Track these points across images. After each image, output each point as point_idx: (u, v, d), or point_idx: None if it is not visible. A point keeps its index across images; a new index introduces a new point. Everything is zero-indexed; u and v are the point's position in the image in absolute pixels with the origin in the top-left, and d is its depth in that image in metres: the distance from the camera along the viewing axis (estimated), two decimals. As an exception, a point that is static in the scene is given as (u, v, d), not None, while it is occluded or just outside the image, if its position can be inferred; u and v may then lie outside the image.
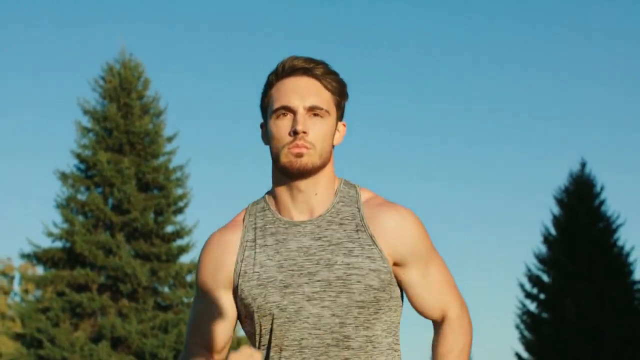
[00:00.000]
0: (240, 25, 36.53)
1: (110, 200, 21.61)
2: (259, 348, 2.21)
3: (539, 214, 39.83)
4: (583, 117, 40.23)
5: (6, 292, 46.19)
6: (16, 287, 45.78)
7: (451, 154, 38.68)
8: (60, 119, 39.03)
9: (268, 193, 2.30)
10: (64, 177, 21.51)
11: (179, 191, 22.08)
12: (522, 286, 26.52)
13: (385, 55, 38.59)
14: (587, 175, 27.15)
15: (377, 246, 2.19)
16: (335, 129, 2.25)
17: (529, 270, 26.46)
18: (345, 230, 2.20)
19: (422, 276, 2.24)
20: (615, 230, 26.54)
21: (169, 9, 37.65)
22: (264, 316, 2.17)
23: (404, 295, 2.30)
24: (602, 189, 26.92)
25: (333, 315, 2.15)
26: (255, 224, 2.25)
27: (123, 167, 21.10)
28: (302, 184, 2.21)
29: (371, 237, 2.19)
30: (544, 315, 26.04)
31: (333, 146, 2.26)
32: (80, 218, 21.33)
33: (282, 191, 2.23)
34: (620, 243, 26.53)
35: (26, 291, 45.45)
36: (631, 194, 40.84)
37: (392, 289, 2.22)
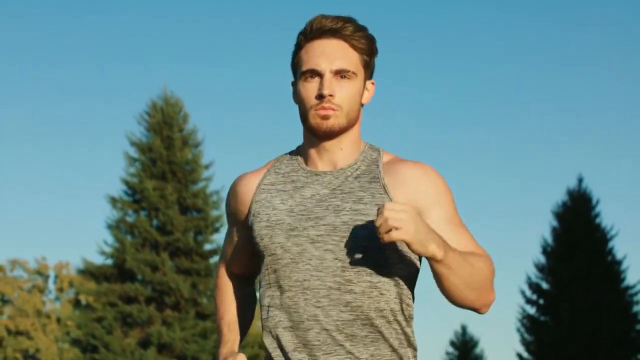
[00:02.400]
0: (265, 65, 39.67)
1: (155, 222, 23.28)
2: (264, 286, 2.23)
3: (539, 227, 41.95)
4: (580, 134, 42.26)
5: (41, 290, 48.38)
6: (51, 285, 48.27)
7: (458, 168, 40.60)
8: (111, 149, 43.53)
9: (298, 146, 2.33)
10: (114, 201, 23.34)
11: (216, 213, 23.65)
12: (523, 293, 28.27)
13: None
14: (584, 189, 28.87)
15: (388, 195, 2.16)
16: (364, 88, 2.23)
17: (529, 278, 28.14)
18: (359, 182, 2.19)
19: (444, 225, 2.15)
20: (609, 240, 28.14)
21: (205, 50, 40.84)
22: (269, 256, 2.19)
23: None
24: (597, 202, 28.59)
25: (335, 258, 2.13)
26: (280, 169, 2.28)
27: (166, 193, 22.92)
28: (328, 143, 2.22)
29: (384, 186, 2.17)
30: (543, 319, 27.76)
31: (362, 105, 2.24)
32: (129, 238, 23.11)
33: (309, 147, 2.25)
34: (614, 252, 28.17)
35: (61, 290, 47.81)
36: (625, 206, 42.86)
37: None
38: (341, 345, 2.13)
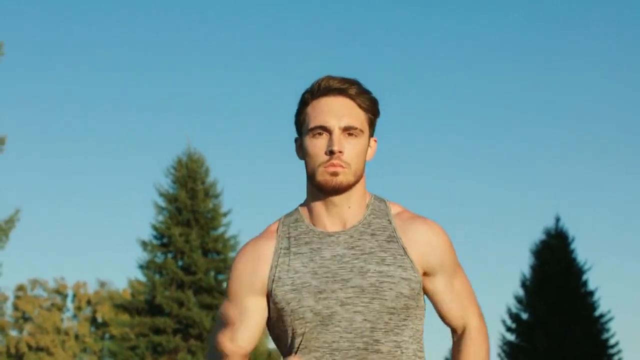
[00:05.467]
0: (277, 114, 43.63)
1: (181, 263, 25.60)
2: (288, 351, 2.19)
3: (519, 264, 44.23)
4: (557, 177, 44.94)
5: (59, 309, 50.40)
6: (69, 304, 50.42)
7: (445, 212, 43.00)
8: (141, 199, 48.89)
9: (301, 205, 2.27)
10: (144, 244, 25.87)
11: (233, 255, 25.34)
12: (503, 322, 30.22)
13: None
14: (561, 228, 30.64)
15: (408, 256, 2.17)
16: (368, 145, 2.23)
17: (509, 309, 30.08)
18: (377, 241, 2.17)
19: (448, 285, 2.22)
20: (583, 273, 30.02)
21: (225, 111, 45.85)
22: (297, 319, 2.14)
23: (428, 304, 2.27)
24: (573, 239, 30.42)
25: (365, 320, 2.12)
26: (289, 233, 2.22)
27: (191, 238, 25.36)
28: (336, 198, 2.18)
29: (403, 247, 2.17)
30: (521, 345, 29.63)
31: (365, 162, 2.23)
32: (157, 277, 25.62)
33: (316, 204, 2.21)
34: (587, 284, 30.01)
35: (79, 308, 50.04)
36: (599, 242, 45.65)
37: (420, 298, 2.20)
38: None
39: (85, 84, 51.53)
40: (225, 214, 26.86)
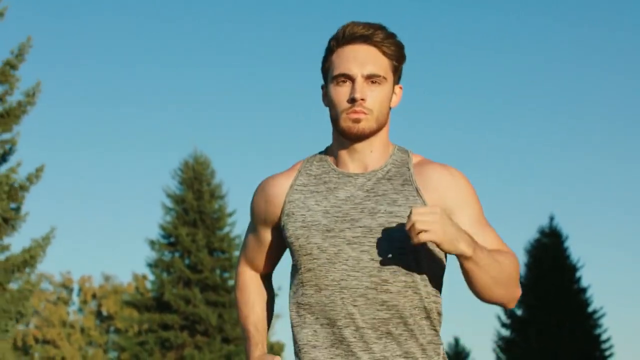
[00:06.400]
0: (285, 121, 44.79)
1: (188, 262, 26.38)
2: (297, 285, 2.21)
3: None
4: (552, 177, 45.61)
5: (65, 302, 50.60)
6: (75, 297, 50.77)
7: None
8: (150, 200, 51.87)
9: (327, 148, 2.30)
10: (152, 244, 26.72)
11: (238, 254, 26.97)
12: (498, 317, 30.93)
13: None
14: (555, 227, 31.05)
15: (421, 197, 2.15)
16: (393, 92, 2.21)
17: None
18: (392, 184, 2.17)
19: (470, 224, 2.15)
20: (576, 271, 30.44)
21: (230, 114, 47.13)
22: (305, 255, 2.17)
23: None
24: (566, 238, 30.84)
25: (372, 259, 2.11)
26: (311, 170, 2.25)
27: (197, 238, 26.14)
28: (359, 145, 2.19)
29: (417, 189, 2.16)
30: (515, 340, 30.22)
31: (390, 109, 2.22)
32: (165, 275, 26.37)
33: (340, 149, 2.22)
34: (580, 282, 30.43)
35: (85, 302, 50.37)
36: (591, 240, 46.20)
37: None
38: (376, 342, 2.12)
39: (98, 89, 52.96)
40: (230, 215, 27.67)
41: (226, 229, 27.43)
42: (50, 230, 16.48)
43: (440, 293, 2.23)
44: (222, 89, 50.70)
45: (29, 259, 15.93)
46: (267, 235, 2.32)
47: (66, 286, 50.05)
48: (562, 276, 30.40)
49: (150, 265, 26.93)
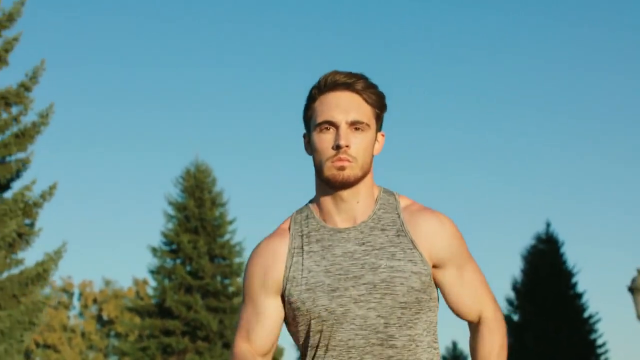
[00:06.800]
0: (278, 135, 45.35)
1: (189, 269, 26.67)
2: (306, 348, 2.19)
3: (510, 267, 45.48)
4: (548, 183, 46.29)
5: (66, 307, 50.74)
6: (75, 302, 50.93)
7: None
8: (152, 208, 53.08)
9: (311, 201, 2.27)
10: (154, 250, 26.98)
11: (238, 260, 26.97)
12: None
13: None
14: (551, 233, 31.22)
15: (417, 250, 2.16)
16: (375, 140, 2.22)
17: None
18: (387, 236, 2.17)
19: (459, 277, 2.21)
20: (572, 276, 30.61)
21: (231, 124, 48.41)
22: (313, 319, 2.15)
23: (440, 296, 2.27)
24: (562, 244, 31.03)
25: (378, 316, 2.13)
26: (301, 231, 2.22)
27: (198, 245, 26.44)
28: (345, 193, 2.18)
29: (412, 241, 2.17)
30: (512, 345, 28.83)
31: (373, 156, 2.22)
32: (167, 281, 26.65)
33: (325, 200, 2.21)
34: (576, 288, 30.65)
35: (85, 306, 50.53)
36: (587, 246, 47.02)
37: (432, 290, 2.19)
38: None
39: (102, 97, 53.62)
40: (231, 222, 27.96)
41: (227, 236, 27.75)
42: (62, 244, 16.94)
43: (437, 339, 2.28)
44: (224, 98, 51.44)
45: (42, 272, 16.37)
46: (266, 304, 2.25)
47: (67, 291, 50.09)
48: (559, 282, 30.57)
49: (152, 272, 27.25)
